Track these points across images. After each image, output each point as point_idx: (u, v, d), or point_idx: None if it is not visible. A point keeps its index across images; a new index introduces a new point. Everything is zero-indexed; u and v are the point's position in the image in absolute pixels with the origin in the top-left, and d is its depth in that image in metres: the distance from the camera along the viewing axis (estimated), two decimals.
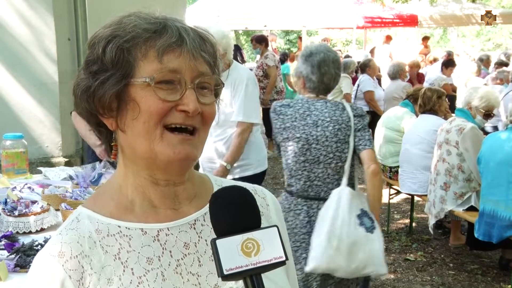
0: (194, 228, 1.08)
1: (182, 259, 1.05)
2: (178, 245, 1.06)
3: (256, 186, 1.24)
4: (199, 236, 1.08)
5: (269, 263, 0.90)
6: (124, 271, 1.01)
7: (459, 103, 10.05)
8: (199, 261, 1.06)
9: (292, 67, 14.51)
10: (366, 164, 3.07)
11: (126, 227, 1.05)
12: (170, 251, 1.05)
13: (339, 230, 2.92)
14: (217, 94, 1.09)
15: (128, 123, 1.02)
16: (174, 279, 1.03)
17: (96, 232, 1.03)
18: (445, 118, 5.75)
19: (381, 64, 13.11)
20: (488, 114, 5.15)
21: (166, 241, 1.05)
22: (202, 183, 1.16)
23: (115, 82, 1.01)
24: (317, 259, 2.94)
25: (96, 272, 1.00)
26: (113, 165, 3.35)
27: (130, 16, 1.04)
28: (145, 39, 1.01)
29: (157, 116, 1.00)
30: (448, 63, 10.46)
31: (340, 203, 2.96)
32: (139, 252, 1.03)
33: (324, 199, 3.05)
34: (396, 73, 9.07)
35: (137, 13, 1.04)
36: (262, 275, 0.92)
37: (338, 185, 3.07)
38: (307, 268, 2.99)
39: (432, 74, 10.32)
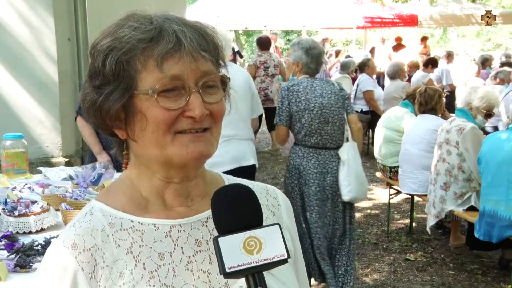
0: (206, 226, 1.09)
1: (193, 256, 1.06)
2: (189, 242, 1.06)
3: (268, 186, 1.24)
4: (210, 234, 1.08)
5: (271, 261, 0.90)
6: (136, 265, 1.02)
7: (458, 103, 10.07)
8: (210, 259, 1.06)
9: None
10: (354, 123, 4.24)
11: (139, 222, 1.05)
12: (182, 248, 1.05)
13: (360, 172, 4.18)
14: (225, 88, 1.07)
15: (138, 134, 1.03)
16: (185, 275, 1.04)
17: (109, 225, 1.04)
18: (443, 116, 5.76)
19: (381, 64, 13.10)
20: (488, 114, 5.15)
21: (178, 237, 1.06)
22: (213, 181, 1.16)
23: (119, 96, 1.01)
24: (354, 192, 4.13)
25: (108, 265, 1.01)
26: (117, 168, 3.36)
27: (123, 27, 1.01)
28: (142, 50, 0.99)
29: (165, 125, 1.00)
30: (428, 63, 10.52)
31: (356, 153, 4.17)
32: (151, 247, 1.04)
33: (329, 148, 4.17)
34: (395, 73, 9.08)
35: (130, 22, 1.02)
36: (269, 273, 0.92)
37: (340, 138, 4.19)
38: (346, 198, 4.13)
39: (416, 75, 10.33)
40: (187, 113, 1.00)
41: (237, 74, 4.09)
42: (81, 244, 1.01)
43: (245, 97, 4.15)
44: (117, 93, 1.01)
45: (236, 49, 11.06)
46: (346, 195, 4.13)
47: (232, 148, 4.03)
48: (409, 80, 10.13)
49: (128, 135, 1.05)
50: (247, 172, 4.06)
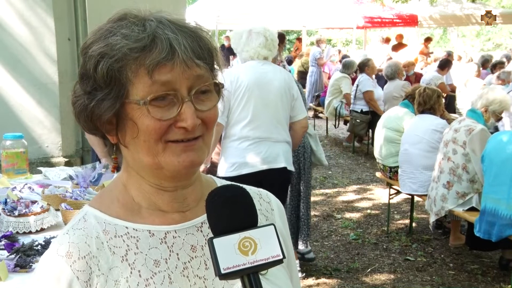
0: (201, 231, 1.08)
1: (189, 262, 1.05)
2: (185, 247, 1.05)
3: (261, 190, 1.22)
4: (206, 239, 1.06)
5: (266, 261, 0.90)
6: (131, 273, 1.00)
7: (459, 103, 10.09)
8: (206, 264, 1.05)
9: (295, 67, 14.52)
10: None
11: (134, 229, 1.04)
12: (177, 254, 1.04)
13: None
14: (219, 92, 1.05)
15: (129, 141, 1.02)
16: (181, 282, 1.03)
17: (103, 232, 1.03)
18: (442, 117, 5.76)
19: (381, 64, 13.10)
20: (500, 117, 5.16)
21: (173, 243, 1.05)
22: (208, 185, 1.14)
23: (111, 104, 0.99)
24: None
25: (103, 273, 0.99)
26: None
27: (115, 35, 0.99)
28: (134, 59, 0.97)
29: (156, 135, 0.98)
30: (445, 65, 10.45)
31: None
32: (146, 254, 1.02)
33: None
34: (394, 73, 9.08)
35: (123, 29, 0.99)
36: (264, 277, 0.92)
37: None
38: (326, 163, 5.28)
39: (428, 74, 10.33)
40: (179, 124, 0.98)
41: (273, 77, 3.98)
42: (75, 252, 0.99)
43: (281, 100, 3.99)
44: (109, 100, 0.99)
45: None
46: (325, 160, 5.17)
47: (264, 149, 3.93)
48: (406, 79, 10.15)
49: (119, 140, 1.04)
50: (278, 174, 3.95)
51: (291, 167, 4.06)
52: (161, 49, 0.96)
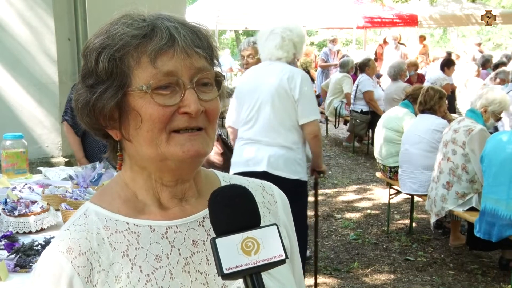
0: (203, 226, 1.08)
1: (190, 257, 1.05)
2: (186, 243, 1.05)
3: (264, 182, 1.23)
4: (207, 234, 1.07)
5: (269, 261, 0.90)
6: (132, 268, 1.01)
7: (459, 103, 10.09)
8: (207, 260, 1.05)
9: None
10: None
11: (135, 224, 1.04)
12: (179, 249, 1.04)
13: None
14: (219, 87, 1.06)
15: (133, 133, 1.01)
16: (182, 277, 1.03)
17: (104, 228, 1.03)
18: (444, 118, 5.76)
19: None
20: (499, 118, 5.16)
21: (174, 238, 1.05)
22: (209, 180, 1.15)
23: (113, 94, 0.99)
24: None
25: (104, 269, 0.99)
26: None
27: (116, 24, 1.01)
28: (135, 46, 0.98)
29: (160, 123, 0.98)
30: (448, 63, 10.42)
31: None
32: (147, 250, 1.02)
33: None
34: (397, 74, 9.06)
35: (123, 19, 1.02)
36: (267, 273, 0.92)
37: None
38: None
39: (433, 74, 10.29)
40: (183, 109, 0.99)
41: (269, 78, 3.84)
42: (76, 248, 0.99)
43: (272, 103, 3.80)
44: (111, 91, 0.99)
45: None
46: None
47: (251, 151, 3.86)
48: (409, 81, 10.14)
49: (123, 135, 1.03)
50: (261, 178, 3.77)
51: (280, 172, 3.81)
52: (161, 37, 0.98)
